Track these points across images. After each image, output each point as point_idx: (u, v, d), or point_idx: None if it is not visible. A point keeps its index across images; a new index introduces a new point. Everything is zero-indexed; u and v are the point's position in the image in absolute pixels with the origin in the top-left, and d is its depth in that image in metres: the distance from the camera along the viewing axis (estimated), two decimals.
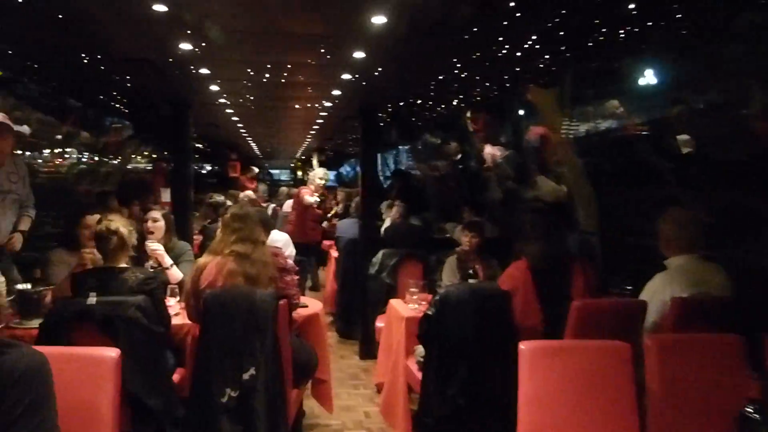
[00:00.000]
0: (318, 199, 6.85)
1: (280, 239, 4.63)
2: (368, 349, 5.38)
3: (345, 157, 15.82)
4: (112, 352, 2.01)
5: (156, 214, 4.05)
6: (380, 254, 5.15)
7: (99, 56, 3.40)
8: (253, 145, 11.42)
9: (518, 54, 3.58)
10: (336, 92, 4.58)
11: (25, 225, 3.99)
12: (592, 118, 5.23)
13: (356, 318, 5.75)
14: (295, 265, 3.22)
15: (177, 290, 3.61)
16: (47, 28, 2.97)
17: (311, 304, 3.83)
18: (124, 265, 3.09)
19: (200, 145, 12.75)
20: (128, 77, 4.09)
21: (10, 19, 2.94)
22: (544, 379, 2.21)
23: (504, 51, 3.47)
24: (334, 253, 6.93)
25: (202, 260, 3.10)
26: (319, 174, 7.07)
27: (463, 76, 3.96)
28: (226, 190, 9.27)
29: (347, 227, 6.85)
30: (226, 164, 12.99)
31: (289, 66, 3.53)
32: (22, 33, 3.17)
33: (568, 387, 2.21)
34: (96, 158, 8.92)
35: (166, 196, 5.61)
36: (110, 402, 1.95)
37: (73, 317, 2.70)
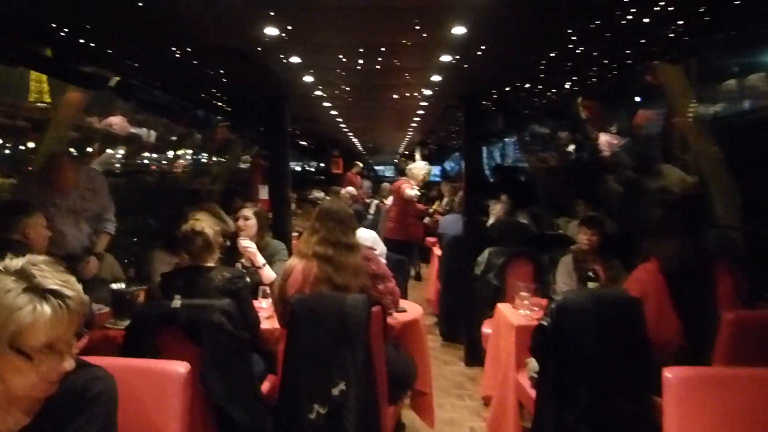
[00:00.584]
0: (418, 193, 6.50)
1: (367, 238, 4.34)
2: (474, 355, 4.99)
3: (449, 151, 15.41)
4: (181, 367, 1.80)
5: (247, 212, 3.92)
6: (486, 253, 4.75)
7: (189, 49, 3.28)
8: (354, 140, 11.32)
9: (645, 21, 3.05)
10: (435, 78, 4.23)
11: (102, 245, 3.84)
12: (730, 97, 4.54)
13: (461, 321, 5.37)
14: (389, 271, 2.91)
15: (268, 291, 3.44)
16: (138, 23, 2.87)
17: (411, 309, 3.52)
18: (211, 264, 2.95)
19: (304, 143, 12.89)
20: (222, 72, 3.98)
21: (112, 22, 2.87)
22: (697, 417, 1.75)
23: (629, 17, 2.96)
24: (438, 251, 6.59)
25: (289, 263, 2.88)
26: (418, 167, 6.70)
27: (578, 51, 3.47)
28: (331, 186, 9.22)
29: (450, 223, 6.48)
30: (329, 161, 13.02)
31: (382, 49, 3.23)
32: (127, 34, 3.11)
33: (729, 428, 1.73)
34: (207, 158, 9.20)
35: (263, 193, 5.53)
36: (178, 421, 1.73)
37: (158, 320, 2.56)
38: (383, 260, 3.64)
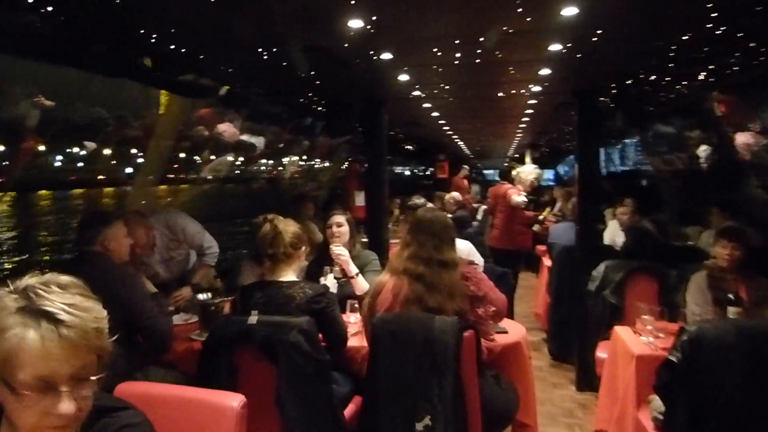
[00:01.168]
0: (526, 199, 6.01)
1: (461, 249, 3.98)
2: (587, 380, 4.49)
3: (563, 155, 14.61)
4: (235, 401, 1.58)
5: (340, 218, 3.72)
6: (602, 266, 4.23)
7: (276, 50, 3.13)
8: (460, 143, 10.95)
9: None
10: (544, 71, 3.81)
11: (200, 276, 3.78)
12: None
13: (573, 339, 4.87)
14: (496, 292, 2.56)
15: (357, 306, 3.21)
16: (225, 27, 2.75)
17: (513, 329, 3.15)
18: (291, 278, 2.75)
19: (410, 146, 12.71)
20: (315, 75, 3.82)
21: (204, 28, 2.79)
22: None
23: None
24: (547, 262, 6.09)
25: (380, 279, 2.62)
26: (526, 171, 6.20)
27: (718, 33, 2.93)
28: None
29: (562, 232, 5.95)
30: (434, 165, 12.74)
31: (481, 39, 2.89)
32: (218, 40, 3.03)
33: None
34: (313, 164, 9.26)
35: (359, 200, 5.35)
36: None
37: (233, 338, 2.40)
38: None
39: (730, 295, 3.05)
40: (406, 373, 2.17)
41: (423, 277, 2.42)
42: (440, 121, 6.61)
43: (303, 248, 2.86)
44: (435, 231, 2.52)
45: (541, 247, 7.06)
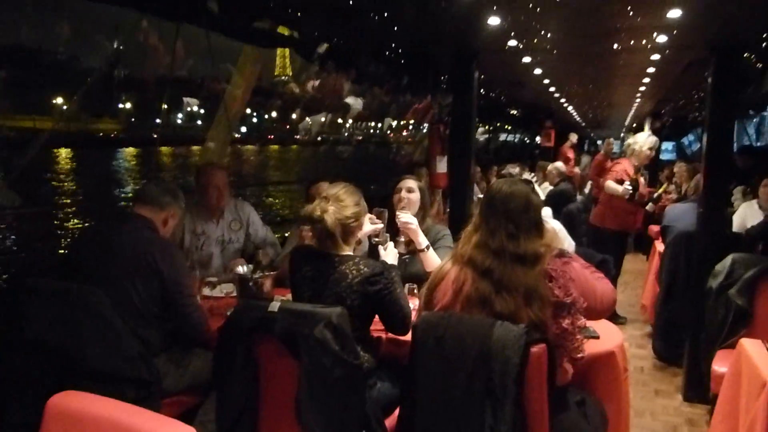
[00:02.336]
0: (629, 188, 5.07)
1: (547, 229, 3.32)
2: (697, 390, 3.77)
3: (688, 127, 13.09)
4: None
5: (411, 182, 3.23)
6: (729, 260, 3.45)
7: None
8: (570, 109, 9.97)
9: None
10: (673, 13, 3.04)
11: (262, 257, 3.53)
12: None
13: (685, 341, 4.13)
14: (580, 298, 1.96)
15: (416, 291, 2.74)
16: None
17: (606, 333, 2.54)
18: (347, 252, 2.32)
19: (514, 112, 11.85)
20: (395, 19, 3.31)
21: None
22: None
23: None
24: (660, 246, 5.26)
25: (442, 265, 2.11)
26: (640, 140, 5.26)
27: None
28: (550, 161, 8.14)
29: (681, 214, 5.10)
30: (539, 133, 11.81)
31: None
32: None
33: None
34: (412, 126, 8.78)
35: (441, 166, 4.79)
36: None
37: (251, 326, 2.02)
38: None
39: None
40: (452, 396, 1.68)
41: (491, 273, 1.88)
42: (545, 81, 5.85)
43: (362, 219, 2.43)
44: (511, 213, 1.95)
45: (654, 228, 6.18)
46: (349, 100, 7.62)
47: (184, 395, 2.60)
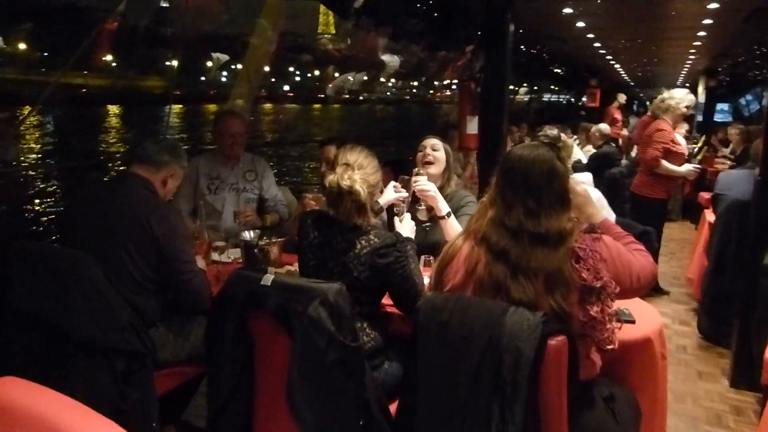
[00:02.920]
0: (697, 168, 4.40)
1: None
2: (746, 375, 3.46)
3: (747, 86, 12.27)
4: None
5: (435, 140, 2.98)
6: None
7: None
8: (617, 66, 9.39)
9: None
10: None
11: (268, 221, 3.49)
12: None
13: (734, 320, 3.80)
14: (612, 281, 1.68)
15: (432, 261, 2.51)
16: None
17: (643, 315, 2.27)
18: (358, 220, 2.11)
19: (559, 71, 11.29)
20: None
21: None
22: None
23: None
24: (710, 216, 4.87)
25: (455, 240, 1.86)
26: (678, 96, 4.72)
27: None
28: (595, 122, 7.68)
29: (735, 181, 4.69)
30: (584, 92, 11.23)
31: None
32: None
33: None
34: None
35: (472, 126, 4.47)
36: None
37: (244, 300, 1.84)
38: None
39: None
40: (456, 390, 1.45)
41: (506, 256, 1.62)
42: (588, 35, 5.41)
43: (377, 188, 2.24)
44: (531, 185, 1.67)
45: (705, 195, 5.75)
46: (385, 57, 7.28)
47: (186, 365, 2.46)
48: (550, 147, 1.73)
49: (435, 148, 2.96)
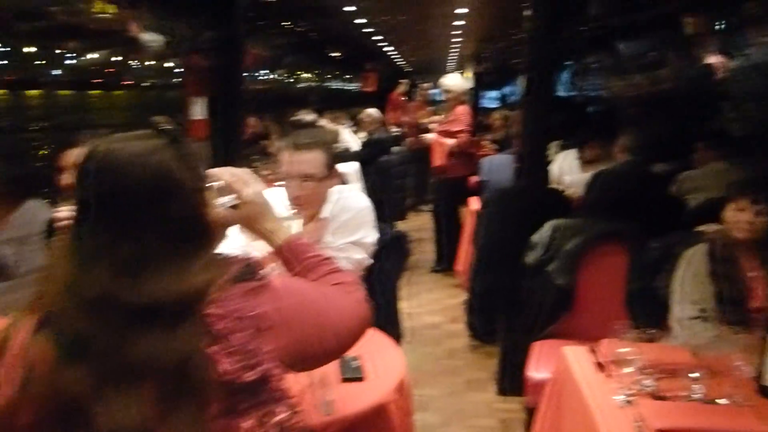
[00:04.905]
0: None
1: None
2: (513, 382, 3.15)
3: (513, 73, 13.01)
4: None
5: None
6: (548, 229, 2.81)
7: None
8: (389, 50, 9.17)
9: None
10: None
11: None
12: None
13: (501, 321, 3.52)
14: (281, 366, 0.96)
15: None
16: None
17: (378, 361, 1.68)
18: None
19: (335, 54, 10.83)
20: None
21: None
22: None
23: None
24: (475, 205, 4.60)
25: None
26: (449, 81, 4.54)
27: None
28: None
29: (498, 167, 4.52)
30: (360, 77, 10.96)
31: None
32: None
33: None
34: None
35: (197, 110, 3.60)
36: None
37: None
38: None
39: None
40: None
41: (86, 349, 0.87)
42: (346, 8, 4.87)
43: None
44: (123, 211, 0.93)
45: (474, 179, 5.51)
46: (147, 36, 6.11)
47: None
48: (169, 140, 0.99)
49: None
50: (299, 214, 2.07)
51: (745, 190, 2.18)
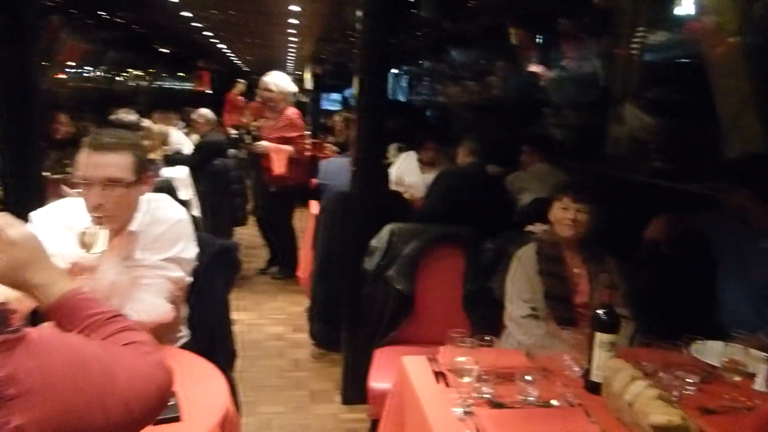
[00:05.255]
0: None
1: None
2: (357, 391, 3.05)
3: (351, 75, 13.10)
4: None
5: None
6: (386, 233, 2.75)
7: None
8: (222, 47, 8.75)
9: None
10: None
11: None
12: None
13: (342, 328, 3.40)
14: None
15: None
16: None
17: (197, 395, 1.47)
18: None
19: (166, 50, 10.13)
20: None
21: None
22: None
23: None
24: (315, 209, 4.44)
25: None
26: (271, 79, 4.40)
27: None
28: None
29: (338, 170, 4.40)
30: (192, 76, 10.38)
31: None
32: None
33: None
34: None
35: None
36: None
37: None
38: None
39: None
40: None
41: None
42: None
43: None
44: None
45: (315, 181, 5.34)
46: None
47: None
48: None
49: None
50: (104, 227, 1.75)
51: (567, 189, 2.28)
